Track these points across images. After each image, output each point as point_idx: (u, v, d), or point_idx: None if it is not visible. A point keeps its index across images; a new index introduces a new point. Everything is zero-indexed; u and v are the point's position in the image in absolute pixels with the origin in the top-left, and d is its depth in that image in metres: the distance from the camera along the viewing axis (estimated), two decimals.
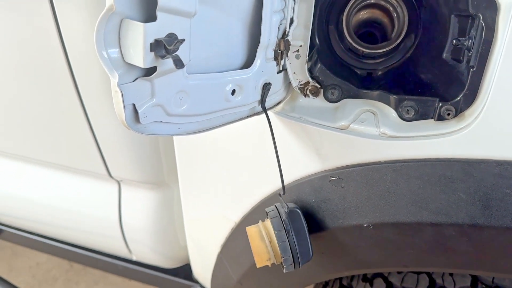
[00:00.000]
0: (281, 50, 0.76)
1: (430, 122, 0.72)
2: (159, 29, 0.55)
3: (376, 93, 0.76)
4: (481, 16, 0.64)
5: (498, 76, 0.64)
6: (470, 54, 0.67)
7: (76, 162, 1.22)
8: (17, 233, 1.67)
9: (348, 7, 0.80)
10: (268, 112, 0.81)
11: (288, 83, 0.82)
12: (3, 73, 1.10)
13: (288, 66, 0.78)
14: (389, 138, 0.73)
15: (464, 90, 0.68)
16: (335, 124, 0.78)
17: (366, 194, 0.76)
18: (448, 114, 0.69)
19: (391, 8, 0.81)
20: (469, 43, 0.66)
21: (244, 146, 0.92)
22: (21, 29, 0.96)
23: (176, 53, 0.56)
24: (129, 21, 0.54)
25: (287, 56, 0.77)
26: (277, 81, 0.79)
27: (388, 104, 0.75)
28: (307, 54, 0.76)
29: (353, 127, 0.76)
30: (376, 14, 0.84)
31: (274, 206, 0.82)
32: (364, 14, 0.84)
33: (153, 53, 0.55)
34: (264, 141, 0.88)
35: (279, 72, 0.78)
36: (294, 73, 0.79)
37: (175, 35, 0.57)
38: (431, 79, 0.75)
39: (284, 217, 0.78)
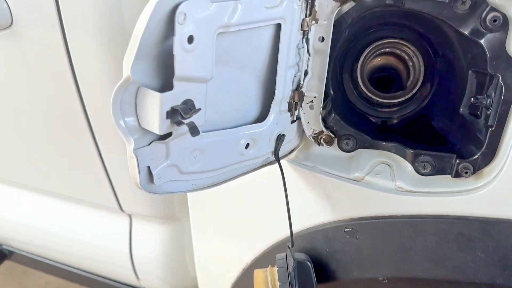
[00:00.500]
0: (295, 101, 0.76)
1: (448, 178, 0.71)
2: (175, 97, 0.55)
3: (391, 145, 0.75)
4: (500, 76, 0.63)
5: None
6: (488, 113, 0.66)
7: (89, 195, 1.22)
8: (28, 255, 1.68)
9: (363, 57, 0.80)
10: (281, 160, 0.81)
11: (301, 131, 0.81)
12: (16, 107, 1.10)
13: (302, 116, 0.78)
14: (405, 193, 0.72)
15: (483, 149, 0.67)
16: (350, 175, 0.77)
17: (382, 247, 0.75)
18: (466, 173, 0.68)
19: (406, 57, 0.80)
20: (488, 102, 0.65)
21: (259, 189, 0.91)
22: (32, 61, 0.96)
23: (191, 119, 0.56)
24: (146, 90, 0.53)
25: (301, 107, 0.77)
26: (291, 131, 0.78)
27: (404, 157, 0.74)
28: (321, 105, 0.76)
29: (368, 179, 0.76)
30: (391, 61, 0.83)
31: (284, 254, 0.81)
32: (379, 61, 0.84)
33: (169, 120, 0.55)
34: (279, 185, 0.87)
35: (293, 121, 0.78)
36: (308, 122, 0.78)
37: (192, 101, 0.57)
38: (448, 133, 0.74)
39: (290, 269, 0.76)
